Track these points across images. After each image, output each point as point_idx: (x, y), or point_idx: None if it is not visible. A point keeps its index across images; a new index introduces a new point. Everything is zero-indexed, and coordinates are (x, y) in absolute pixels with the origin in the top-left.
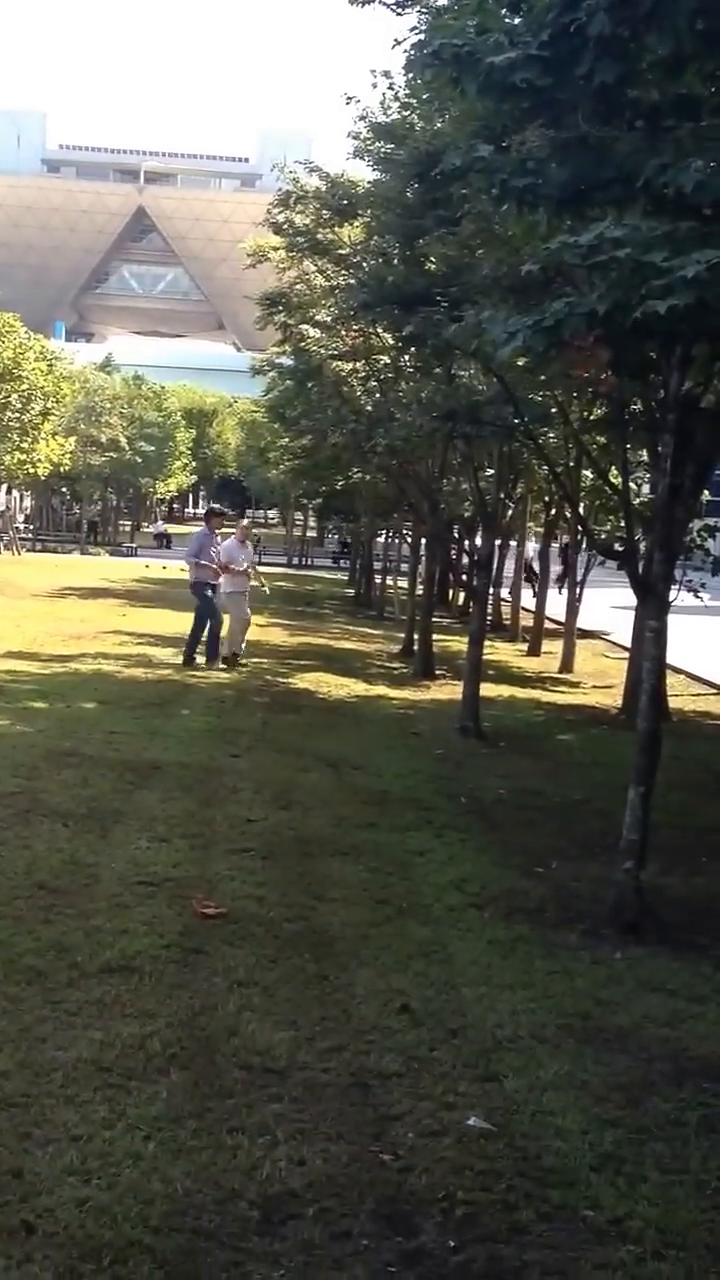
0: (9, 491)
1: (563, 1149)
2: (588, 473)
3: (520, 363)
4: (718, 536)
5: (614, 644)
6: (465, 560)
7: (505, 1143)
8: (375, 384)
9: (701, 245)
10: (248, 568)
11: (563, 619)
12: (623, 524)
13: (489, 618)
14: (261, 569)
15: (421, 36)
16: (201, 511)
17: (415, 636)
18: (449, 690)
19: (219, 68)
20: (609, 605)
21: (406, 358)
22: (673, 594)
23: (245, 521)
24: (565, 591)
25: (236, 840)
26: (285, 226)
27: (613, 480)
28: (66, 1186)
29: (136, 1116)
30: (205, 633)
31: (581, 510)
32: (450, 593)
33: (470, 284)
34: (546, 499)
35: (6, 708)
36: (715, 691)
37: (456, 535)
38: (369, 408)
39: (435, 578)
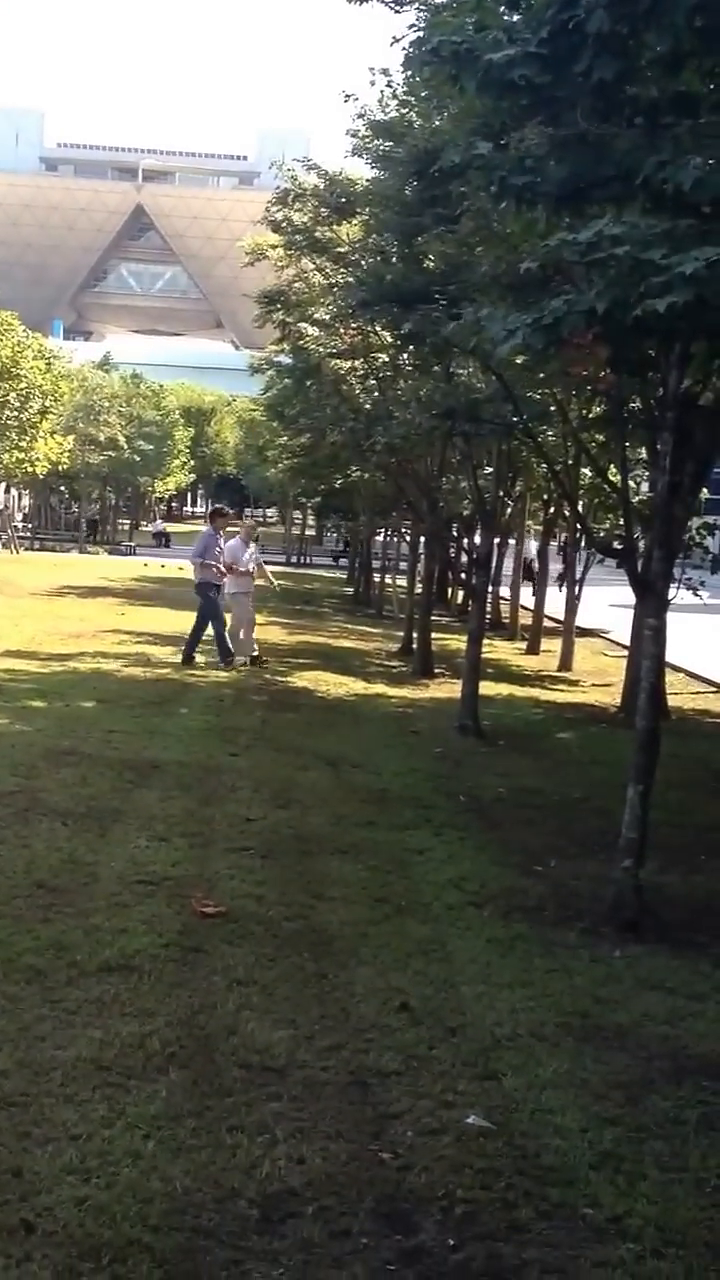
0: (7, 490)
1: (562, 1147)
2: (587, 470)
3: (519, 360)
4: (717, 534)
5: (613, 642)
6: (464, 558)
7: (504, 1141)
8: (374, 382)
9: (700, 242)
10: (253, 568)
11: (562, 617)
12: (622, 522)
13: (488, 616)
14: (266, 567)
15: (420, 34)
16: (200, 510)
17: (414, 635)
18: (448, 689)
19: (217, 66)
20: (608, 603)
21: (405, 356)
22: (672, 592)
23: (250, 522)
24: (565, 589)
25: (235, 839)
26: (284, 224)
27: (611, 478)
28: (66, 1185)
29: (136, 1115)
30: (216, 633)
31: (580, 508)
32: (449, 591)
33: (469, 282)
34: (545, 497)
35: (5, 706)
36: (714, 689)
37: (455, 533)
38: (368, 406)
39: (434, 576)
